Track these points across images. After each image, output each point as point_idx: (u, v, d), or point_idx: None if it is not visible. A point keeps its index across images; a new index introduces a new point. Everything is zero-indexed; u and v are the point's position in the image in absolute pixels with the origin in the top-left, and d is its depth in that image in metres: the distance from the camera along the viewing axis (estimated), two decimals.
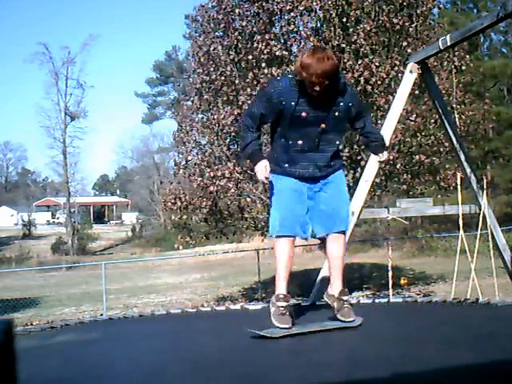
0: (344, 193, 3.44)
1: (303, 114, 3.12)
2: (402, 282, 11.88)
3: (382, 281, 12.85)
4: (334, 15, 10.09)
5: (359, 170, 10.06)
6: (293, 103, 3.10)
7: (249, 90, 9.96)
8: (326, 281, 6.23)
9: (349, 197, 3.52)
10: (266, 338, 3.03)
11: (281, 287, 3.28)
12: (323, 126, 3.17)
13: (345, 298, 3.38)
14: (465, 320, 3.54)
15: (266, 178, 3.19)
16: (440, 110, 6.67)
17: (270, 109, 3.18)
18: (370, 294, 12.98)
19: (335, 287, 3.40)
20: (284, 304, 3.23)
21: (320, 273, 6.71)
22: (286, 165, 3.25)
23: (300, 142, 3.19)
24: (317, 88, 3.01)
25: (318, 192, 3.31)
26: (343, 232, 3.36)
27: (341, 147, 10.87)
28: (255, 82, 9.96)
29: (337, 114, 3.19)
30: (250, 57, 10.12)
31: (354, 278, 15.53)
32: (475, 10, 25.32)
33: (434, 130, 10.71)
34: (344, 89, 3.22)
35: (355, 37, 9.92)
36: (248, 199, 10.63)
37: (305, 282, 11.10)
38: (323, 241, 3.45)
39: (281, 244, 3.26)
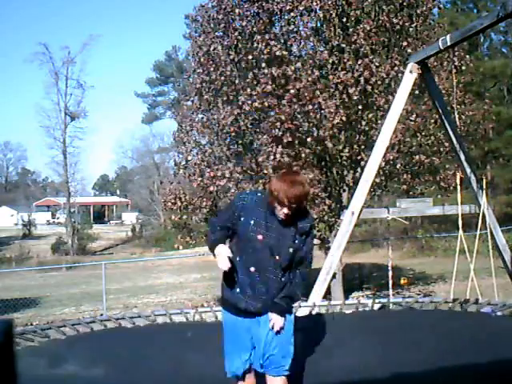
0: (288, 335, 3.12)
1: (259, 236, 2.99)
2: (402, 281, 11.89)
3: (382, 281, 12.85)
4: (333, 15, 10.09)
5: (359, 170, 10.06)
6: (252, 221, 3.00)
7: (249, 90, 9.97)
8: (327, 281, 6.22)
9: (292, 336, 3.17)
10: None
11: None
12: (277, 257, 3.00)
13: None
14: (464, 322, 3.55)
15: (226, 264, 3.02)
16: (440, 110, 6.68)
17: (231, 218, 3.07)
18: (370, 293, 12.98)
19: None
20: None
21: (320, 273, 6.71)
22: (235, 291, 3.07)
23: (252, 268, 3.02)
24: (285, 210, 2.92)
25: (261, 328, 3.07)
26: (286, 376, 3.09)
27: (340, 147, 10.67)
28: (255, 82, 9.96)
29: (291, 248, 3.02)
30: (250, 57, 10.12)
31: (354, 278, 15.54)
32: (475, 10, 25.32)
33: (433, 130, 10.71)
34: (307, 220, 3.10)
35: (355, 37, 9.92)
36: None
37: (306, 283, 11.06)
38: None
39: None
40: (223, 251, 2.99)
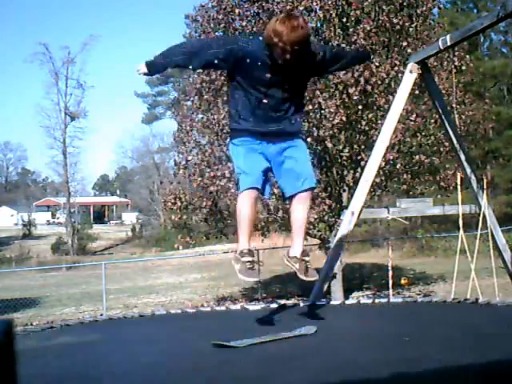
0: (307, 155, 3.43)
1: (267, 74, 3.06)
2: (403, 281, 11.89)
3: (382, 281, 12.85)
4: (333, 15, 10.09)
5: (359, 169, 10.06)
6: (259, 63, 3.03)
7: None
8: (327, 281, 6.22)
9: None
10: (233, 348, 2.93)
11: (244, 242, 3.19)
12: (285, 93, 3.14)
13: (307, 258, 3.29)
14: (465, 320, 3.54)
15: (138, 71, 3.15)
16: (440, 110, 6.67)
17: (227, 58, 3.08)
18: (371, 294, 12.98)
19: (297, 249, 3.31)
20: (250, 259, 3.14)
21: (320, 273, 6.70)
22: (250, 119, 3.17)
23: (265, 100, 3.12)
24: (287, 56, 2.91)
25: (281, 152, 3.25)
26: (311, 189, 3.32)
27: (340, 147, 10.73)
28: None
29: (301, 78, 3.20)
30: None
31: (355, 277, 15.54)
32: (475, 10, 25.33)
33: (433, 130, 10.71)
34: (314, 51, 3.18)
35: (355, 37, 9.92)
36: None
37: (305, 282, 11.07)
38: (289, 200, 3.36)
39: (241, 197, 3.19)
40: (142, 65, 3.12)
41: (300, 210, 3.30)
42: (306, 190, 3.26)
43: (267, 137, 3.20)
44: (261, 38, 3.08)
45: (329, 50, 3.47)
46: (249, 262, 3.12)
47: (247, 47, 3.07)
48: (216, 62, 3.11)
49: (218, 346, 2.95)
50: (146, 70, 3.15)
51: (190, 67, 3.26)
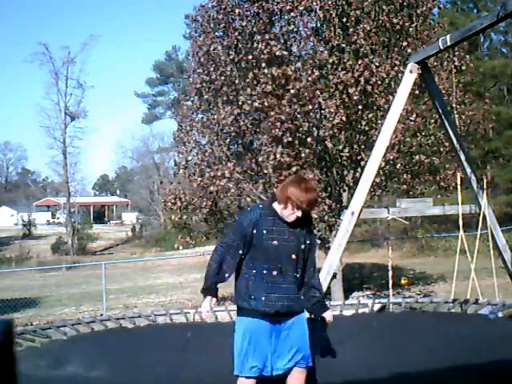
0: (306, 333, 3.36)
1: (275, 242, 3.17)
2: (403, 282, 11.88)
3: (382, 281, 12.84)
4: (333, 15, 10.09)
5: (359, 170, 10.06)
6: (265, 231, 3.18)
7: (249, 89, 9.97)
8: (327, 281, 6.21)
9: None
10: None
11: None
12: (294, 256, 3.22)
13: None
14: (464, 322, 3.54)
15: (207, 312, 3.25)
16: (440, 110, 6.67)
17: (244, 237, 3.19)
18: (371, 294, 12.98)
19: None
20: None
21: (320, 273, 6.70)
22: (261, 298, 3.18)
23: (274, 272, 3.18)
24: (298, 214, 3.14)
25: (284, 331, 3.25)
26: (306, 368, 3.29)
27: (340, 147, 10.70)
28: (255, 82, 9.96)
29: (303, 245, 3.28)
30: (250, 57, 10.12)
31: (355, 277, 15.53)
32: (475, 10, 25.32)
33: (433, 130, 10.71)
34: (310, 222, 3.42)
35: (355, 37, 9.91)
36: (248, 199, 10.63)
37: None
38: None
39: None
40: (208, 300, 3.20)
41: None
42: (301, 367, 3.25)
43: (277, 317, 3.22)
44: (261, 206, 3.34)
45: (313, 246, 3.47)
46: None
47: (248, 219, 3.22)
48: (242, 251, 3.22)
49: None
50: (213, 301, 3.23)
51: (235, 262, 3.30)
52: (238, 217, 3.44)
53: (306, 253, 3.29)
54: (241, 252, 3.19)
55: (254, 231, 3.17)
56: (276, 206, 3.23)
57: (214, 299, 3.22)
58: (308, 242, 3.30)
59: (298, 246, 3.23)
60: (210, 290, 3.21)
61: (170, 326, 4.11)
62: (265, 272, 3.17)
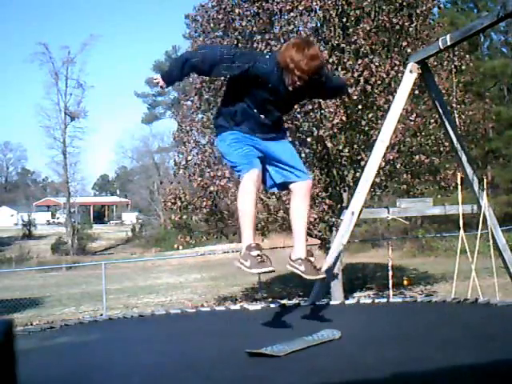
0: (295, 152, 3.47)
1: (272, 97, 3.10)
2: (406, 282, 11.88)
3: (384, 281, 12.85)
4: (333, 15, 10.09)
5: (359, 169, 10.06)
6: (270, 85, 3.05)
7: None
8: (327, 281, 6.20)
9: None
10: (267, 356, 2.74)
11: (248, 238, 3.10)
12: (283, 112, 3.32)
13: (312, 259, 3.25)
14: (465, 320, 3.54)
15: (156, 80, 3.21)
16: (440, 110, 6.67)
17: (241, 77, 3.06)
18: (373, 294, 12.99)
19: (301, 250, 3.24)
20: (259, 252, 3.06)
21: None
22: (245, 128, 3.19)
23: (262, 116, 3.17)
24: (299, 83, 2.95)
25: (272, 147, 3.25)
26: (309, 180, 3.35)
27: (340, 147, 10.71)
28: None
29: (300, 100, 3.39)
30: None
31: (357, 277, 15.54)
32: (475, 10, 25.31)
33: (433, 130, 10.71)
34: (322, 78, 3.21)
35: (355, 37, 9.92)
36: None
37: (306, 283, 11.08)
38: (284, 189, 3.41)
39: (243, 185, 3.13)
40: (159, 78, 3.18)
41: (301, 208, 3.28)
42: (305, 180, 3.29)
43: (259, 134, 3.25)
44: (275, 61, 3.05)
45: (328, 79, 3.42)
46: (258, 255, 3.04)
47: (264, 68, 3.04)
48: (230, 75, 3.12)
49: (252, 354, 2.76)
50: (162, 82, 3.20)
51: (205, 74, 3.33)
52: (256, 56, 3.28)
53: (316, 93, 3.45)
54: (232, 73, 3.06)
55: (260, 79, 3.01)
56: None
57: (162, 82, 3.19)
58: (314, 89, 3.21)
59: (292, 104, 3.33)
60: (168, 76, 3.20)
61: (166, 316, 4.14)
62: (255, 111, 3.14)
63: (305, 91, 3.16)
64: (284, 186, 3.34)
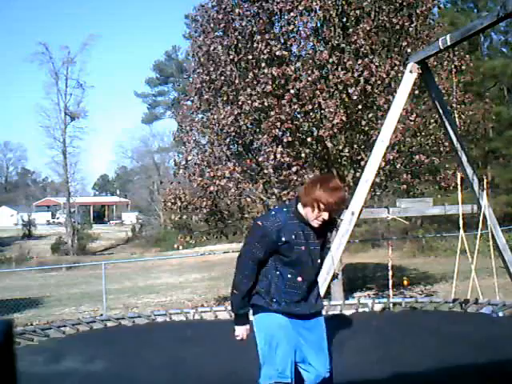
0: (325, 336, 3.27)
1: (302, 247, 3.03)
2: (405, 282, 11.89)
3: (384, 281, 12.85)
4: (333, 15, 10.08)
5: (359, 170, 10.06)
6: (293, 236, 3.01)
7: (249, 89, 9.96)
8: (327, 281, 6.20)
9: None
10: None
11: None
12: (318, 260, 3.15)
13: None
14: (464, 321, 3.54)
15: (242, 339, 3.08)
16: (440, 110, 6.68)
17: (271, 247, 3.01)
18: (373, 294, 12.99)
19: None
20: None
21: (321, 273, 6.70)
22: (282, 303, 3.05)
23: (299, 278, 3.06)
24: (326, 217, 2.98)
25: (308, 330, 3.14)
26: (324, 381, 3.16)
27: (340, 147, 10.70)
28: (255, 82, 9.96)
29: (322, 243, 3.18)
30: (250, 57, 10.11)
31: (358, 278, 15.54)
32: (475, 10, 25.30)
33: (434, 130, 10.70)
34: (335, 222, 3.33)
35: (355, 37, 9.90)
36: (248, 199, 10.62)
37: None
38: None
39: None
40: (244, 329, 3.06)
41: None
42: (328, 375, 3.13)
43: (298, 317, 3.11)
44: (285, 210, 3.10)
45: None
46: None
47: (275, 227, 3.01)
48: (264, 258, 3.05)
49: None
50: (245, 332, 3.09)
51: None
52: (262, 222, 3.09)
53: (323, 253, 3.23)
54: (263, 259, 3.03)
55: (283, 238, 2.98)
56: (300, 208, 3.04)
57: (248, 326, 3.07)
58: (325, 243, 3.24)
59: (319, 250, 3.13)
60: (243, 316, 3.07)
61: (169, 324, 4.12)
62: (289, 276, 3.03)
63: (325, 228, 3.14)
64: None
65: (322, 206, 2.93)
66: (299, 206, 3.04)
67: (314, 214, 2.97)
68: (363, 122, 10.26)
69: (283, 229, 2.98)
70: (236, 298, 3.05)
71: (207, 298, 14.54)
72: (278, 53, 9.81)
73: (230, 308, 3.17)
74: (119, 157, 72.51)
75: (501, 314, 4.56)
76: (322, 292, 6.52)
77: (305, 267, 3.05)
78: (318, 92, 9.72)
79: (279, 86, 9.83)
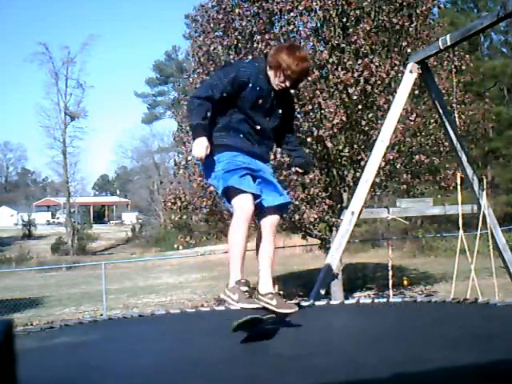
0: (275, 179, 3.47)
1: (260, 100, 3.15)
2: (405, 282, 11.89)
3: (384, 281, 12.85)
4: (333, 15, 10.09)
5: (359, 170, 10.06)
6: (257, 88, 3.12)
7: None
8: (327, 281, 6.21)
9: None
10: (241, 329, 2.95)
11: (238, 274, 3.11)
12: (275, 121, 3.26)
13: (280, 292, 3.32)
14: (464, 320, 3.54)
15: (201, 159, 3.11)
16: (440, 110, 6.67)
17: (235, 86, 3.10)
18: (373, 294, 12.99)
19: (269, 283, 3.25)
20: (248, 288, 3.07)
21: (320, 273, 6.71)
22: (240, 135, 3.17)
23: (258, 127, 3.19)
24: (287, 83, 3.09)
25: (259, 170, 3.26)
26: (287, 206, 3.40)
27: (340, 147, 10.73)
28: None
29: (280, 109, 3.28)
30: (250, 57, 10.12)
31: (358, 277, 15.54)
32: (475, 10, 25.32)
33: (434, 130, 10.71)
34: (292, 99, 3.53)
35: (355, 37, 9.91)
36: None
37: (306, 283, 11.10)
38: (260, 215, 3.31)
39: (239, 213, 3.08)
40: (204, 142, 3.06)
41: (268, 248, 3.30)
42: (284, 205, 3.31)
43: (252, 155, 3.23)
44: (256, 64, 3.23)
45: (293, 112, 3.71)
46: (247, 291, 3.07)
47: (246, 72, 3.14)
48: (226, 94, 3.13)
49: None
50: (207, 145, 3.11)
51: (215, 102, 3.19)
52: (235, 63, 3.40)
53: (284, 117, 3.30)
54: (225, 94, 3.10)
55: (250, 84, 3.08)
56: (268, 70, 3.13)
57: (206, 140, 3.07)
58: (288, 108, 3.34)
59: (277, 111, 3.23)
60: (202, 128, 3.08)
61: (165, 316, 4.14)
62: (250, 121, 3.16)
63: (286, 98, 3.30)
64: (262, 211, 3.28)
65: (285, 71, 3.03)
66: (267, 68, 3.14)
67: (276, 78, 3.09)
68: (363, 122, 10.26)
69: (252, 76, 3.10)
70: (190, 114, 3.15)
71: (207, 298, 14.54)
72: None
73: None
74: (119, 157, 72.54)
75: (500, 313, 4.56)
76: (322, 292, 6.53)
77: (261, 121, 3.18)
78: (317, 92, 9.73)
79: None
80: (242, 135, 3.18)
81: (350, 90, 9.74)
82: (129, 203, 64.40)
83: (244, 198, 3.07)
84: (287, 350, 2.94)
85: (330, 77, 9.91)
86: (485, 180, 6.74)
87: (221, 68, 3.32)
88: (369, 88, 9.86)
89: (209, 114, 3.11)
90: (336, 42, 10.11)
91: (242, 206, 3.08)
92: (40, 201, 64.06)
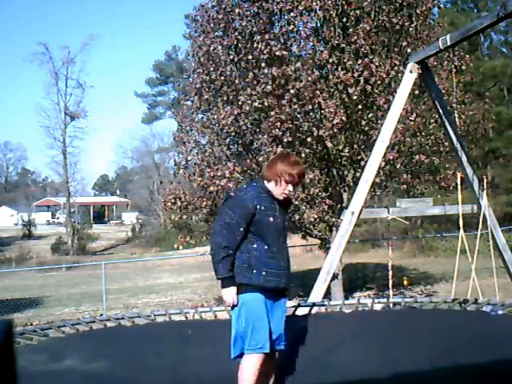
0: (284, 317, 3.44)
1: (271, 219, 3.25)
2: (405, 282, 11.88)
3: (384, 281, 12.85)
4: (333, 15, 10.08)
5: (359, 169, 10.06)
6: (263, 208, 3.24)
7: (249, 90, 9.96)
8: (327, 281, 6.20)
9: None
10: None
11: None
12: (284, 233, 3.41)
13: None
14: (464, 320, 3.54)
15: (233, 305, 3.21)
16: (440, 110, 6.68)
17: (247, 216, 3.20)
18: (373, 294, 12.99)
19: None
20: None
21: (320, 273, 6.71)
22: (262, 273, 3.20)
23: (274, 248, 3.25)
24: (290, 188, 3.29)
25: (273, 309, 3.31)
26: (279, 351, 3.34)
27: (340, 147, 10.70)
28: (255, 82, 9.95)
29: (286, 222, 3.46)
30: (250, 57, 10.11)
31: (358, 277, 15.53)
32: (475, 10, 25.31)
33: (434, 130, 10.71)
34: (291, 202, 3.72)
35: (355, 37, 9.90)
36: None
37: (306, 283, 11.09)
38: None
39: (256, 363, 3.12)
40: (233, 293, 3.18)
41: (270, 371, 3.24)
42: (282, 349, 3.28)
43: (274, 294, 3.28)
44: (254, 185, 3.42)
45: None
46: None
47: (249, 197, 3.24)
48: (242, 229, 3.21)
49: None
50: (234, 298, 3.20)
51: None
52: (235, 193, 3.41)
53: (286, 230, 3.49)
54: (242, 230, 3.20)
55: (257, 206, 3.21)
56: (267, 184, 3.32)
57: (234, 290, 3.20)
58: (286, 221, 3.51)
59: (284, 223, 3.39)
60: (229, 279, 3.19)
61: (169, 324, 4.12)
62: (266, 247, 3.22)
63: (288, 203, 3.50)
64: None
65: (285, 178, 3.25)
66: (265, 183, 3.34)
67: (278, 187, 3.28)
68: (363, 122, 10.26)
69: (255, 198, 3.24)
70: (217, 266, 3.21)
71: (207, 298, 14.54)
72: (277, 53, 9.80)
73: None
74: (119, 157, 72.56)
75: (500, 313, 4.56)
76: (322, 292, 6.53)
77: (274, 238, 3.27)
78: (317, 92, 9.72)
79: (279, 85, 9.83)
80: (264, 272, 3.21)
81: (350, 90, 9.73)
82: (129, 203, 64.39)
83: (258, 361, 3.11)
84: (288, 348, 2.94)
85: (330, 77, 9.91)
86: (485, 180, 6.74)
87: (224, 202, 3.31)
88: (369, 88, 9.85)
89: (231, 261, 3.20)
90: (336, 41, 10.10)
91: (255, 371, 3.11)
92: (40, 201, 64.07)
